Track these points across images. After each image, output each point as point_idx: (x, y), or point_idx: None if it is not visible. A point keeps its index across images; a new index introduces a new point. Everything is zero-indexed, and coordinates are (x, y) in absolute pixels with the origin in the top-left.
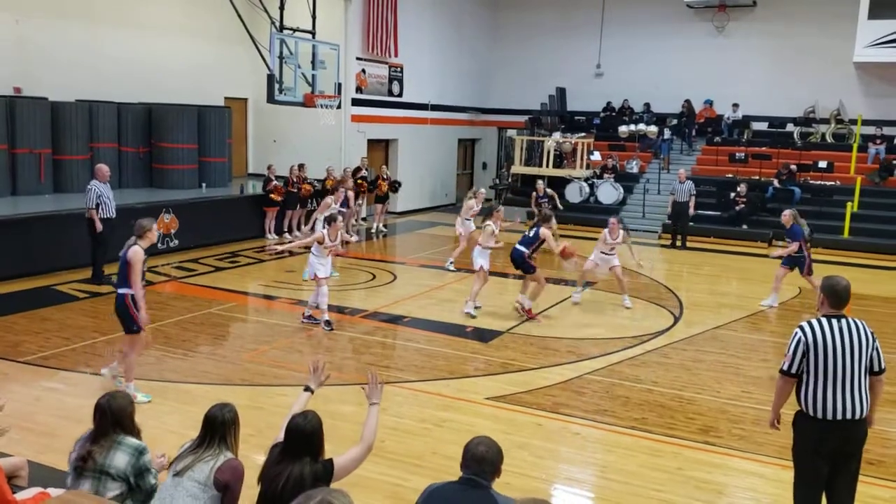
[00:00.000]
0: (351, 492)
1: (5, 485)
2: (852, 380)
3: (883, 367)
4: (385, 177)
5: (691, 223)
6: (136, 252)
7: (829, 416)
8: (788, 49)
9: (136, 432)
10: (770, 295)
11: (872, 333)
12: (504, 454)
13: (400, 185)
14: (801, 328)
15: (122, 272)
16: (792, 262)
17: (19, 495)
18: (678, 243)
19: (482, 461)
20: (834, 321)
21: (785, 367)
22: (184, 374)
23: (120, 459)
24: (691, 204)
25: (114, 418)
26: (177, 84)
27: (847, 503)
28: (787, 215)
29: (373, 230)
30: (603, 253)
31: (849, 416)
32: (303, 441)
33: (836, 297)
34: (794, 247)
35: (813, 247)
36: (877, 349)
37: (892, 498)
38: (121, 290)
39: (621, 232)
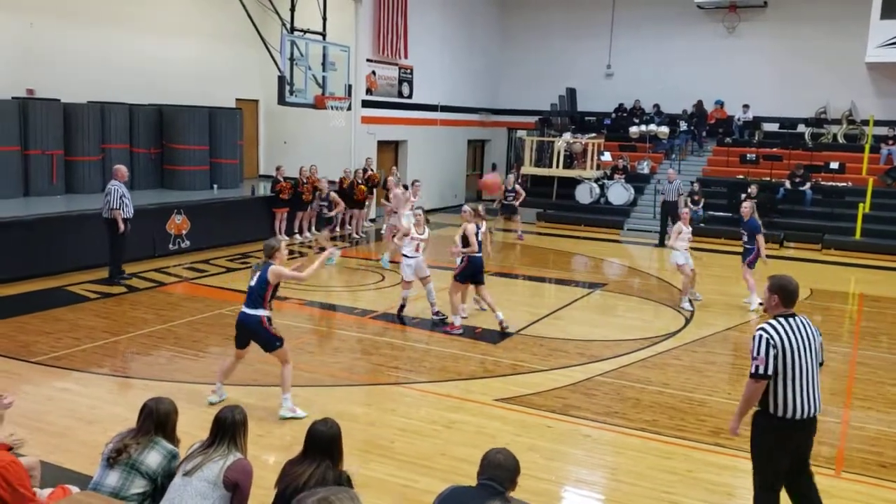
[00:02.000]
0: (360, 493)
1: (28, 481)
2: (812, 377)
3: (823, 360)
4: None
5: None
6: (274, 272)
7: (797, 415)
8: (800, 49)
9: (175, 440)
10: (750, 295)
11: (817, 328)
12: (516, 458)
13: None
14: (765, 329)
15: (258, 294)
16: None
17: (39, 492)
18: (666, 242)
19: (499, 467)
20: (791, 320)
21: (761, 371)
22: (195, 375)
23: (153, 459)
24: (680, 203)
25: (158, 421)
26: (188, 86)
27: (814, 485)
28: (746, 207)
29: (382, 231)
30: (677, 249)
31: (812, 412)
32: (324, 445)
33: (788, 296)
34: (761, 240)
35: (825, 248)
36: (821, 343)
37: None
38: (255, 313)
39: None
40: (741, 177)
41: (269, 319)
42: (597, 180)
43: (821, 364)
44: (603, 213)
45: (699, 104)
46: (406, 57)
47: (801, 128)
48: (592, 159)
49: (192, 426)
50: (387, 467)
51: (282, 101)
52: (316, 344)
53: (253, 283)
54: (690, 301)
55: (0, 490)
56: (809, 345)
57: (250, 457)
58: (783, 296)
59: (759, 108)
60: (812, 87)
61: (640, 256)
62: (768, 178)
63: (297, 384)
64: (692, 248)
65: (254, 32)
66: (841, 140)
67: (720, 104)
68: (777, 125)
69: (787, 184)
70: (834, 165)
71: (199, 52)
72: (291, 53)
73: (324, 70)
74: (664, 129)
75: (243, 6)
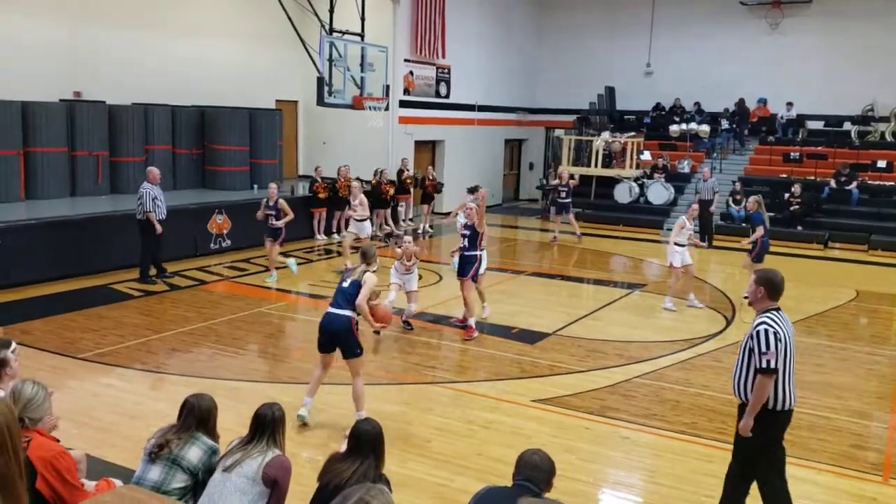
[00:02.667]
0: (397, 492)
1: (76, 471)
2: (793, 369)
3: None
4: (431, 178)
5: (721, 222)
6: (370, 281)
7: (787, 406)
8: (845, 45)
9: (215, 437)
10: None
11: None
12: (552, 459)
13: (442, 185)
14: (768, 323)
15: (350, 295)
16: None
17: (87, 484)
18: (703, 242)
19: (535, 468)
20: (780, 314)
21: (773, 365)
22: (234, 372)
23: (193, 454)
24: (715, 202)
25: (199, 417)
26: (229, 87)
27: (784, 484)
28: (752, 202)
29: (419, 231)
30: (679, 245)
31: (796, 402)
32: (368, 444)
33: (774, 290)
34: (760, 231)
35: (871, 249)
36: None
37: None
38: (344, 313)
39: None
40: (784, 176)
41: (357, 324)
42: (636, 180)
43: None
44: (642, 212)
45: (741, 102)
46: (443, 57)
47: (846, 126)
48: (632, 158)
49: (232, 423)
50: (423, 466)
51: (321, 101)
52: None
53: (346, 285)
54: (693, 302)
55: (51, 479)
56: (792, 338)
57: (288, 453)
58: (769, 288)
59: (803, 105)
60: (858, 83)
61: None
62: (812, 178)
63: (335, 382)
64: (723, 248)
65: (293, 34)
66: (889, 138)
67: (763, 102)
68: (822, 123)
69: (833, 183)
70: (881, 164)
71: (239, 55)
72: (330, 54)
73: (362, 71)
74: (705, 128)
75: (283, 8)
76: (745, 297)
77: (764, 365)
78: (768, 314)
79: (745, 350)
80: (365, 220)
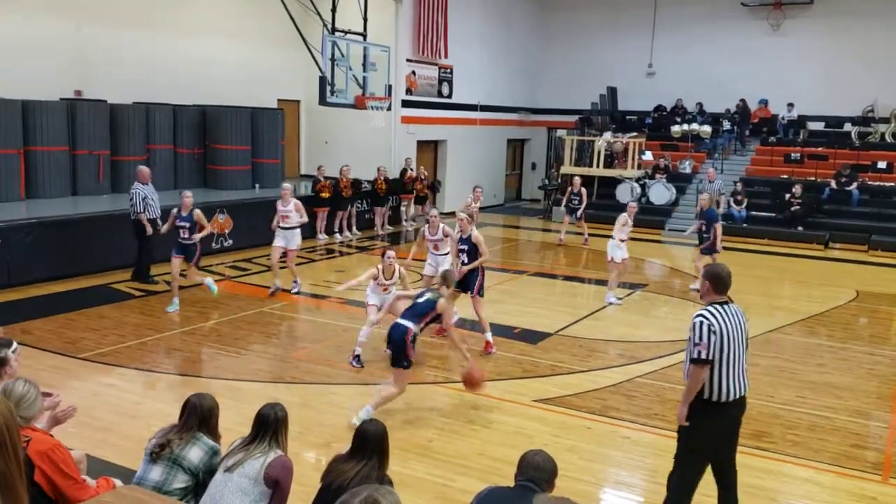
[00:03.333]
0: (398, 492)
1: (73, 464)
2: (741, 360)
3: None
4: (423, 177)
5: (722, 222)
6: (442, 305)
7: (730, 397)
8: (847, 46)
9: (217, 437)
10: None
11: (744, 314)
12: (553, 459)
13: (440, 184)
14: (704, 316)
15: (420, 313)
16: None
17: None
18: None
19: (538, 468)
20: (724, 307)
21: (703, 356)
22: (235, 372)
23: (195, 454)
24: (720, 203)
25: (201, 417)
26: (231, 86)
27: (733, 477)
28: (704, 199)
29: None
30: (620, 240)
31: (742, 393)
32: (371, 444)
33: (720, 283)
34: (718, 229)
35: (872, 249)
36: (748, 329)
37: None
38: (406, 324)
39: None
40: (785, 176)
41: (415, 338)
42: (638, 180)
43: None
44: (644, 212)
45: (742, 103)
46: (446, 56)
47: (847, 126)
48: (633, 159)
49: (233, 422)
50: (425, 466)
51: (323, 101)
52: (354, 342)
53: (421, 300)
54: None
55: (48, 471)
56: (740, 330)
57: (290, 454)
58: (714, 282)
59: (804, 106)
60: (859, 84)
61: (681, 257)
62: (813, 178)
63: (337, 382)
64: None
65: (296, 34)
66: (889, 139)
67: (764, 103)
68: (822, 124)
69: (833, 183)
70: (882, 165)
71: (241, 54)
72: (332, 54)
73: (364, 70)
74: (706, 129)
75: (285, 7)
76: (695, 290)
77: (696, 355)
78: (711, 307)
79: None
80: (295, 228)
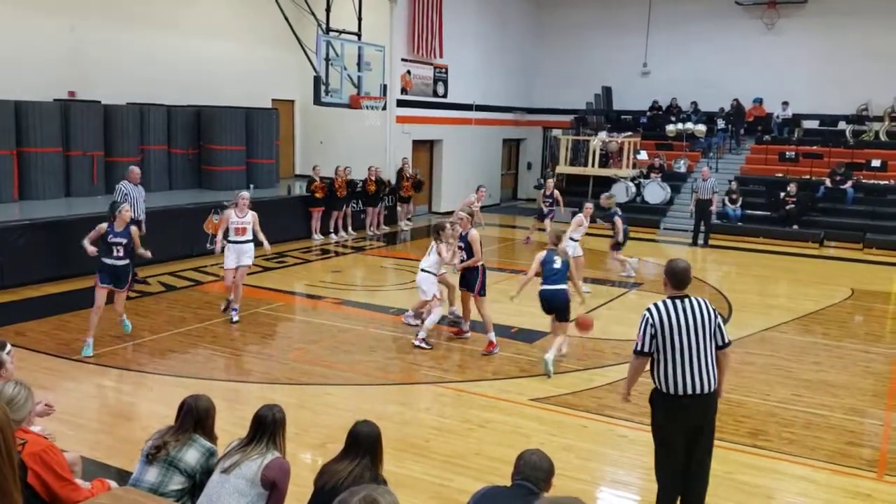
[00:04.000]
0: (395, 492)
1: (66, 465)
2: (699, 356)
3: (727, 340)
4: (408, 176)
5: (717, 221)
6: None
7: (681, 391)
8: (841, 45)
9: (213, 438)
10: (626, 269)
11: (715, 311)
12: (550, 458)
13: (422, 183)
14: (649, 310)
15: (564, 274)
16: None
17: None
18: (700, 241)
19: (535, 468)
20: (678, 301)
21: (637, 348)
22: (231, 373)
23: (191, 456)
24: (714, 201)
25: (197, 418)
26: (225, 86)
27: (701, 475)
28: (605, 199)
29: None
30: (573, 240)
31: (698, 390)
32: (363, 444)
33: (676, 279)
34: (619, 223)
35: (866, 247)
36: (719, 325)
37: None
38: (563, 287)
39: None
40: (780, 175)
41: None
42: (633, 179)
43: (723, 345)
44: (639, 212)
45: (737, 102)
46: (441, 56)
47: (841, 125)
48: (628, 158)
49: (229, 423)
50: (422, 466)
51: (317, 101)
52: (351, 343)
53: (558, 265)
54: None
55: (41, 472)
56: (696, 325)
57: (287, 454)
58: (670, 278)
59: (799, 105)
60: (853, 83)
61: (675, 255)
62: (808, 177)
63: (333, 383)
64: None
65: (290, 33)
66: (883, 137)
67: (759, 101)
68: (817, 122)
69: (828, 182)
70: (876, 163)
71: (235, 54)
72: (327, 54)
73: (359, 70)
74: (701, 128)
75: (279, 7)
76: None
77: (635, 347)
78: (658, 302)
79: None
80: (249, 242)
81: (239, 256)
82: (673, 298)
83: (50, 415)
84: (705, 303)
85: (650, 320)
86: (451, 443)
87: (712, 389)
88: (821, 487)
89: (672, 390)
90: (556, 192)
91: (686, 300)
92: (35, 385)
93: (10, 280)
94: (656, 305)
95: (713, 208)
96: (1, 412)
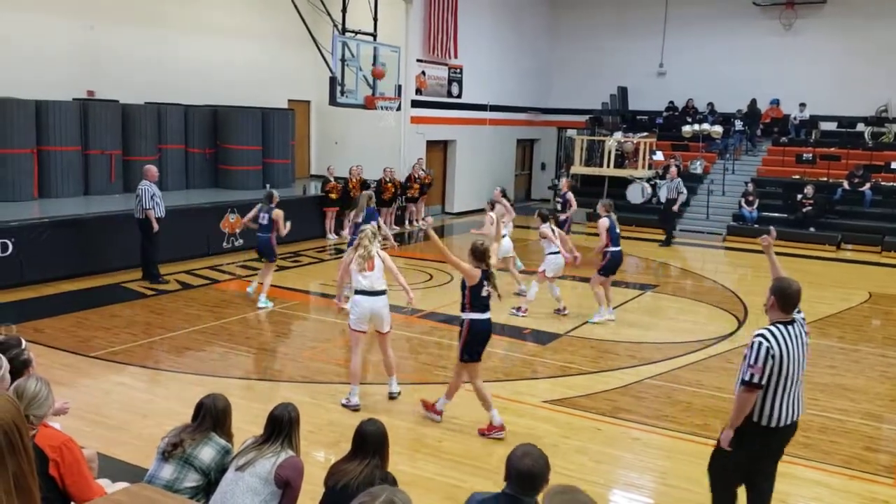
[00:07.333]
0: (409, 491)
1: (88, 471)
2: (798, 384)
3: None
4: (416, 177)
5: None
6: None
7: (783, 422)
8: (860, 46)
9: (230, 437)
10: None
11: (806, 329)
12: (562, 459)
13: (429, 186)
14: (765, 337)
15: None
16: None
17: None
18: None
19: (530, 478)
20: (789, 327)
21: (755, 380)
22: (247, 371)
23: (206, 454)
24: (679, 200)
25: (216, 419)
26: (242, 87)
27: (767, 491)
28: (563, 183)
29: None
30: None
31: (795, 419)
32: (371, 444)
33: (787, 301)
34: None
35: (885, 250)
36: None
37: None
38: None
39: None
40: (797, 177)
41: None
42: (648, 180)
43: None
44: (654, 213)
45: (752, 103)
46: (456, 57)
47: (860, 127)
48: (644, 159)
49: (244, 421)
50: (435, 466)
51: (333, 101)
52: (364, 342)
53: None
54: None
55: (62, 465)
56: (801, 352)
57: (300, 453)
58: (781, 299)
59: (817, 106)
60: (872, 84)
61: (691, 258)
62: (825, 179)
63: (346, 382)
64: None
65: (306, 34)
66: None
67: (776, 103)
68: (835, 124)
69: (846, 184)
70: (895, 165)
71: (252, 54)
72: (343, 54)
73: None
74: (717, 129)
75: (296, 8)
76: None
77: (747, 378)
78: (771, 327)
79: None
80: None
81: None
82: (784, 324)
83: (65, 413)
84: (803, 322)
85: (770, 350)
86: (465, 443)
87: (802, 412)
88: (836, 493)
89: (775, 423)
90: (570, 195)
91: (793, 326)
92: (53, 381)
93: (29, 277)
94: (772, 333)
95: (676, 208)
96: (16, 408)
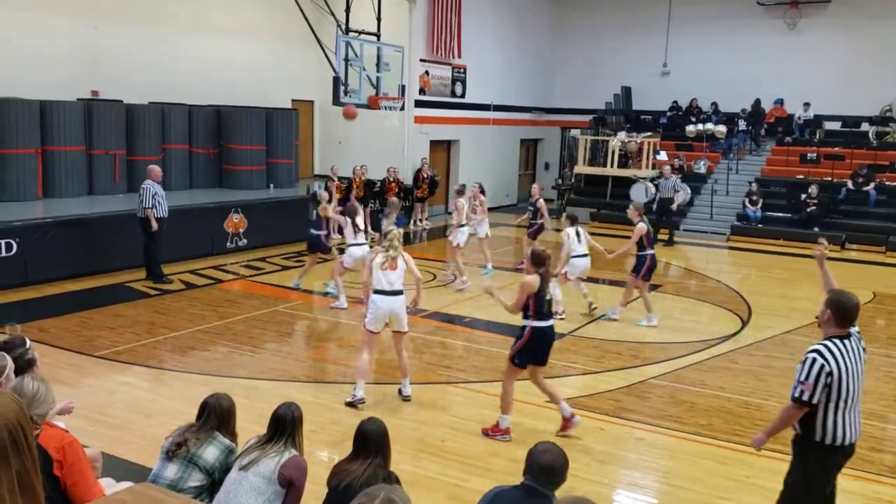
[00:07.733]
0: (411, 491)
1: (90, 472)
2: (857, 401)
3: None
4: (425, 177)
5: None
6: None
7: (846, 441)
8: (864, 45)
9: (234, 436)
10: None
11: (862, 343)
12: (564, 453)
13: (437, 184)
14: (821, 354)
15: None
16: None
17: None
18: (665, 238)
19: (551, 472)
20: (846, 342)
21: (806, 398)
22: (250, 370)
23: (210, 453)
24: (676, 199)
25: (220, 417)
26: (245, 87)
27: None
28: (535, 189)
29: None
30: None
31: (857, 436)
32: (373, 443)
33: (845, 316)
34: (544, 209)
35: (889, 250)
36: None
37: None
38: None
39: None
40: (801, 177)
41: None
42: (652, 180)
43: None
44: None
45: (756, 103)
46: (459, 56)
47: (864, 126)
48: (648, 158)
49: (248, 421)
50: (437, 466)
51: (336, 101)
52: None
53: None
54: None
55: (65, 465)
56: (860, 368)
57: (304, 452)
58: (838, 313)
59: (821, 106)
60: (877, 84)
61: (695, 257)
62: (830, 178)
63: (351, 381)
64: None
65: (310, 34)
66: None
67: (780, 102)
68: (839, 124)
69: (850, 184)
70: None
71: (256, 54)
72: (346, 54)
73: (378, 70)
74: (721, 128)
75: (299, 8)
76: (816, 318)
77: (797, 394)
78: (828, 342)
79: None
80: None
81: None
82: (841, 339)
83: (69, 412)
84: (860, 337)
85: (826, 367)
86: (467, 443)
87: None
88: (841, 493)
89: (839, 442)
90: (542, 202)
91: (850, 340)
92: (57, 381)
93: (33, 277)
94: (828, 349)
95: (675, 206)
96: (18, 407)
